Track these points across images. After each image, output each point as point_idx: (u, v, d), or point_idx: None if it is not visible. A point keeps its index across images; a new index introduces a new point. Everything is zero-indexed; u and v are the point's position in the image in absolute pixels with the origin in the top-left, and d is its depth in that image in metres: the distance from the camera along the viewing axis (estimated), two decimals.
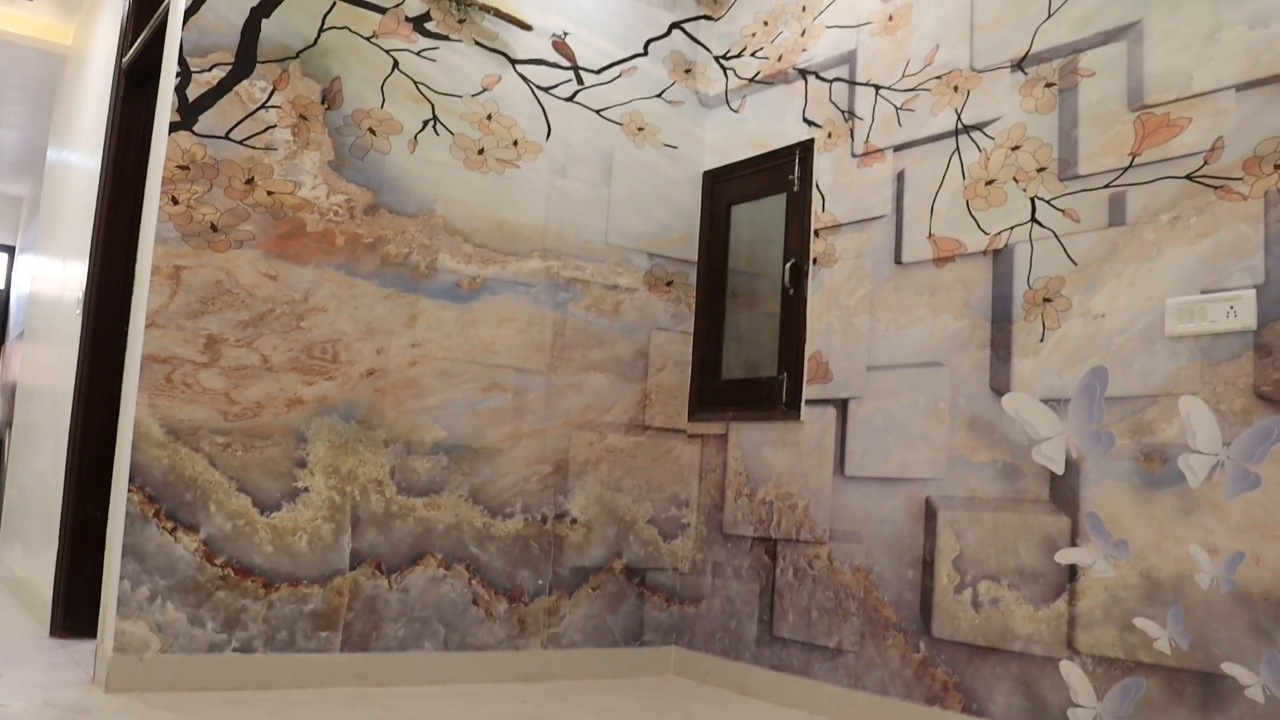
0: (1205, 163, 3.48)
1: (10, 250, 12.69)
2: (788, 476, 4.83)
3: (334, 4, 4.64)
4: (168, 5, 4.77)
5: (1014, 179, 4.06)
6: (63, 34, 7.70)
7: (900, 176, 4.52)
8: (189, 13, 4.35)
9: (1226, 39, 3.47)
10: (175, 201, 4.26)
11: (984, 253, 4.14)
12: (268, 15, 4.50)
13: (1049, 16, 4.03)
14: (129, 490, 4.13)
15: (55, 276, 7.11)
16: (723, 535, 5.15)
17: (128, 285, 5.07)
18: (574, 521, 5.09)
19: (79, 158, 6.58)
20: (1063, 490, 3.77)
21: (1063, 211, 3.88)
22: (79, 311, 5.59)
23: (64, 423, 5.59)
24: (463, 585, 4.78)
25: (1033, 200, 3.99)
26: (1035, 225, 3.97)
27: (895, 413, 4.40)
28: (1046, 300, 3.90)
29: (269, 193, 4.44)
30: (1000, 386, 4.02)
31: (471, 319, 4.87)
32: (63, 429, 5.63)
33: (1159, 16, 3.68)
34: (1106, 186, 3.76)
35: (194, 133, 4.32)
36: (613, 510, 5.20)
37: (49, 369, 6.76)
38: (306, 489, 4.46)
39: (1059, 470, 3.79)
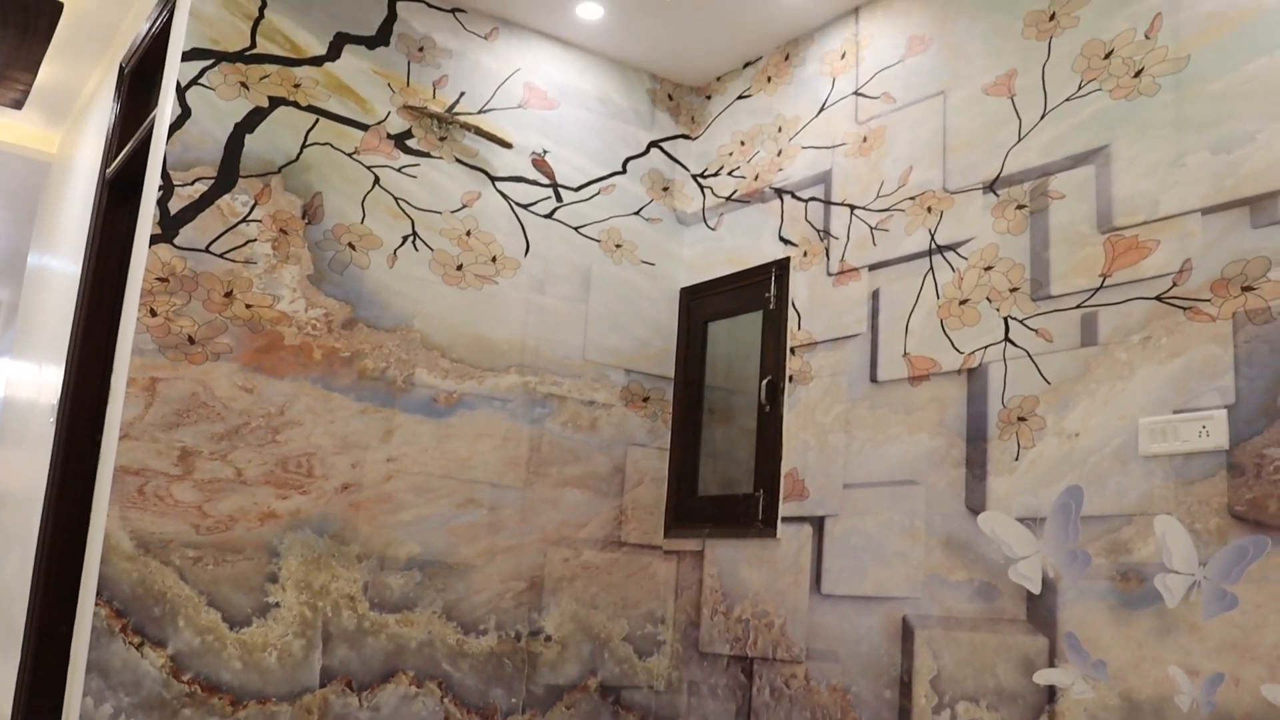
0: (1174, 284, 3.54)
1: None
2: (764, 594, 4.80)
3: (317, 120, 4.71)
4: (153, 118, 4.83)
5: (987, 299, 4.11)
6: (49, 142, 7.78)
7: (875, 295, 4.57)
8: (174, 127, 4.41)
9: (1191, 164, 3.55)
10: (153, 314, 4.27)
11: (959, 371, 4.17)
12: (251, 131, 4.55)
13: (1019, 140, 4.12)
14: (96, 604, 4.07)
15: (30, 381, 7.07)
16: (699, 653, 5.09)
17: (103, 394, 5.05)
18: (548, 639, 5.03)
19: (60, 264, 6.60)
20: (1040, 610, 3.76)
21: (1036, 331, 3.93)
22: (53, 419, 5.55)
23: (32, 530, 5.52)
24: (435, 704, 4.70)
25: (1006, 320, 4.03)
26: (1009, 344, 4.01)
27: (871, 530, 4.39)
28: (1021, 419, 3.92)
29: (247, 306, 4.46)
30: (976, 505, 4.02)
31: (448, 434, 4.87)
32: (31, 537, 5.55)
33: (1125, 142, 3.76)
34: (1078, 307, 3.81)
35: (174, 245, 4.34)
36: (587, 627, 5.14)
37: (19, 474, 6.68)
38: (278, 604, 4.40)
39: (1036, 590, 3.77)
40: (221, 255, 4.43)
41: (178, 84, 4.44)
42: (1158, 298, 3.58)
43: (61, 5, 5.78)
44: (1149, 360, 3.57)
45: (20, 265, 10.02)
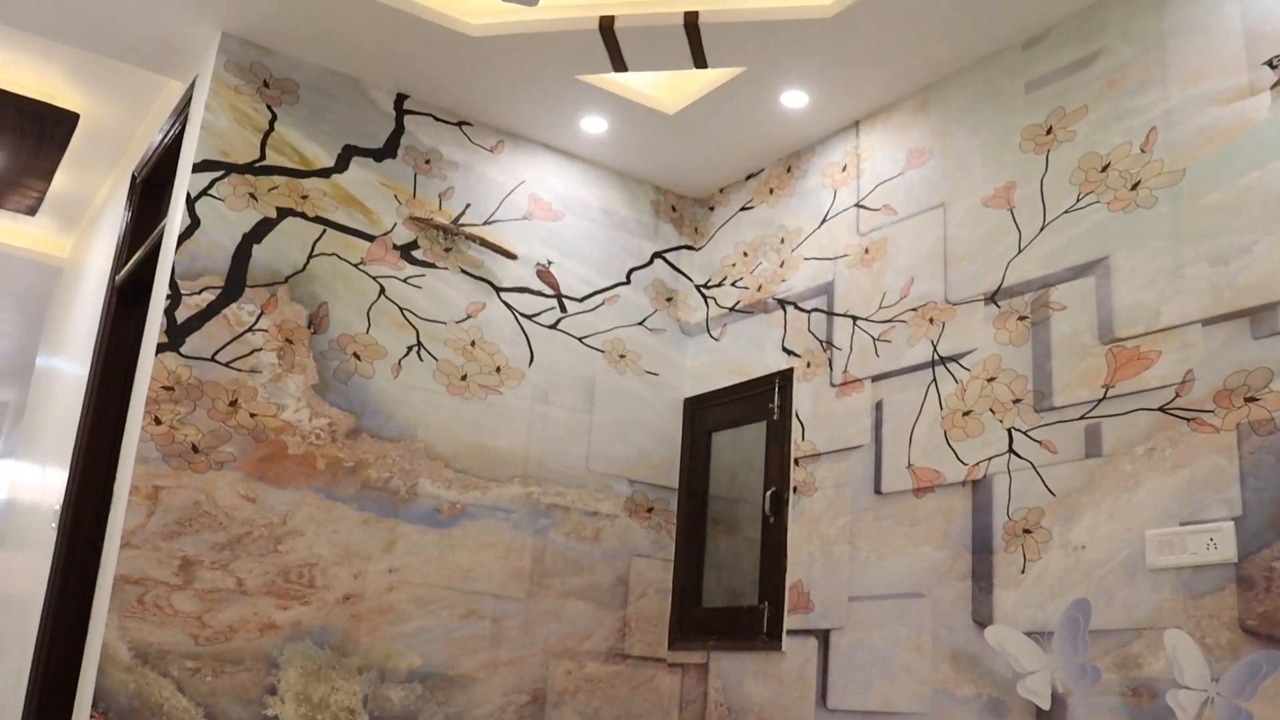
0: (1177, 395, 3.54)
1: None
2: (769, 708, 4.72)
3: (324, 231, 4.76)
4: (163, 227, 4.88)
5: (990, 410, 4.11)
6: (60, 247, 7.87)
7: (879, 406, 4.57)
8: (183, 237, 4.46)
9: (1190, 275, 3.57)
10: (158, 422, 4.28)
11: (963, 483, 4.16)
12: (259, 241, 4.60)
13: (1019, 252, 4.15)
14: (91, 715, 4.01)
15: (34, 483, 7.06)
16: None
17: (105, 500, 5.04)
18: None
19: (67, 367, 6.63)
20: None
21: (1040, 443, 3.92)
22: (54, 524, 5.53)
23: (30, 635, 5.46)
24: None
25: (1010, 431, 4.03)
26: (1013, 456, 4.00)
27: (877, 644, 4.34)
28: (1026, 531, 3.89)
29: (252, 415, 4.46)
30: (983, 618, 3.98)
31: (451, 544, 4.84)
32: (28, 642, 5.50)
33: (1124, 253, 3.79)
34: (1082, 418, 3.80)
35: (180, 354, 4.37)
36: None
37: (19, 577, 6.64)
38: (276, 717, 4.34)
39: (1045, 705, 3.71)
40: (227, 364, 4.45)
41: (188, 195, 4.50)
42: (1161, 409, 3.58)
43: (78, 116, 5.88)
44: (1154, 471, 3.56)
45: (28, 367, 10.06)
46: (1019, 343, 4.07)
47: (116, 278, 5.53)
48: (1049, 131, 4.16)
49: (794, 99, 4.90)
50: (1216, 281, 3.49)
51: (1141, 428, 3.62)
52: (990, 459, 4.08)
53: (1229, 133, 3.56)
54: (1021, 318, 4.09)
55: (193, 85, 4.96)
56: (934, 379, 4.37)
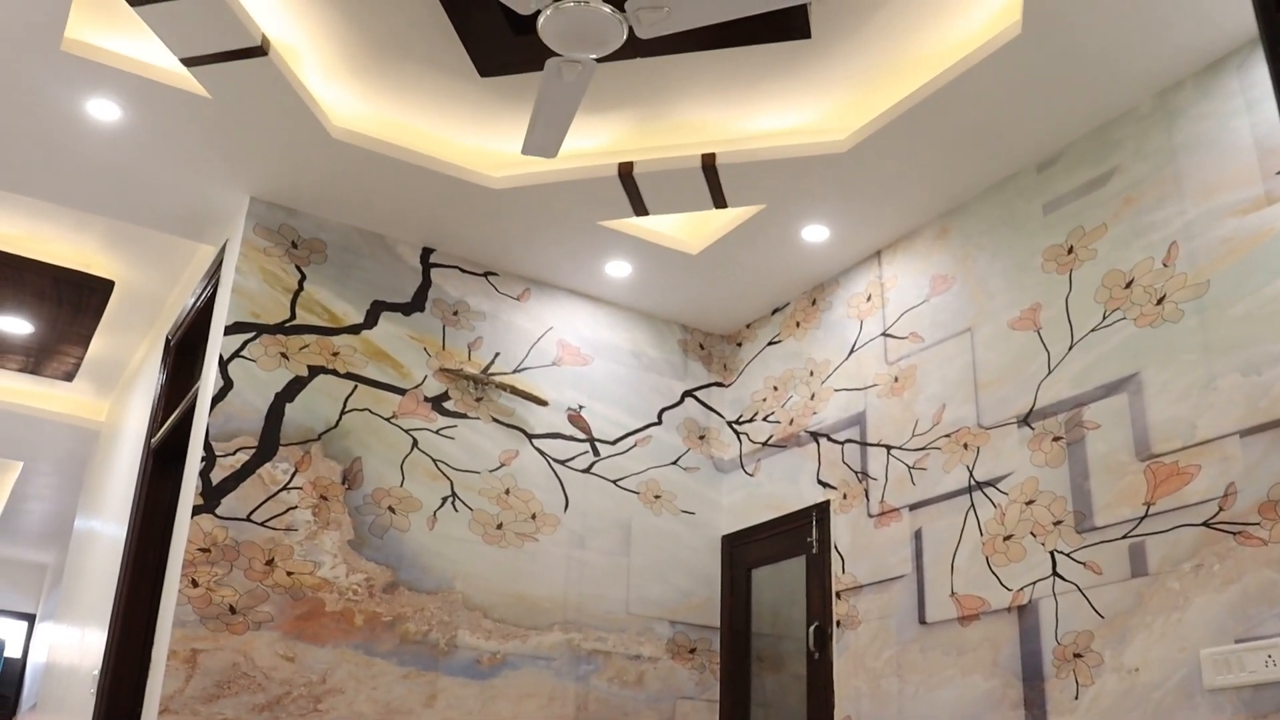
0: (1220, 509, 3.48)
1: (30, 619, 12.61)
2: None
3: (355, 387, 4.80)
4: (196, 390, 4.94)
5: (1031, 533, 4.05)
6: (97, 411, 7.97)
7: (918, 535, 4.52)
8: (216, 399, 4.50)
9: (1223, 387, 3.54)
10: (195, 584, 4.27)
11: (1008, 609, 4.08)
12: (291, 400, 4.65)
13: (1049, 373, 4.14)
14: None
15: (72, 645, 7.04)
16: None
17: (144, 663, 5.01)
18: None
19: (105, 529, 6.65)
20: None
21: (1084, 564, 3.85)
22: (93, 690, 5.49)
23: None
24: None
25: (1052, 554, 3.96)
26: (1057, 579, 3.93)
27: None
28: (1077, 656, 3.80)
29: (289, 573, 4.45)
30: None
31: (492, 695, 4.76)
32: None
33: (1155, 369, 3.77)
34: (1124, 537, 3.74)
35: (216, 515, 4.38)
36: None
37: None
38: None
39: None
40: (263, 523, 4.46)
41: (220, 357, 4.56)
42: (1205, 524, 3.52)
43: (113, 283, 6.01)
44: (1204, 589, 3.48)
45: (66, 530, 10.11)
46: (1055, 464, 4.03)
47: (152, 440, 5.58)
48: (1070, 251, 4.18)
49: (815, 233, 4.95)
50: (1251, 392, 3.46)
51: (1187, 544, 3.55)
52: (1034, 583, 4.00)
53: (1250, 243, 3.57)
54: (1056, 438, 4.05)
55: (223, 249, 5.07)
56: (972, 504, 4.32)
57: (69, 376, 7.32)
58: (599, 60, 3.52)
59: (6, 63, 4.06)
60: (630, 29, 3.32)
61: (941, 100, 4.07)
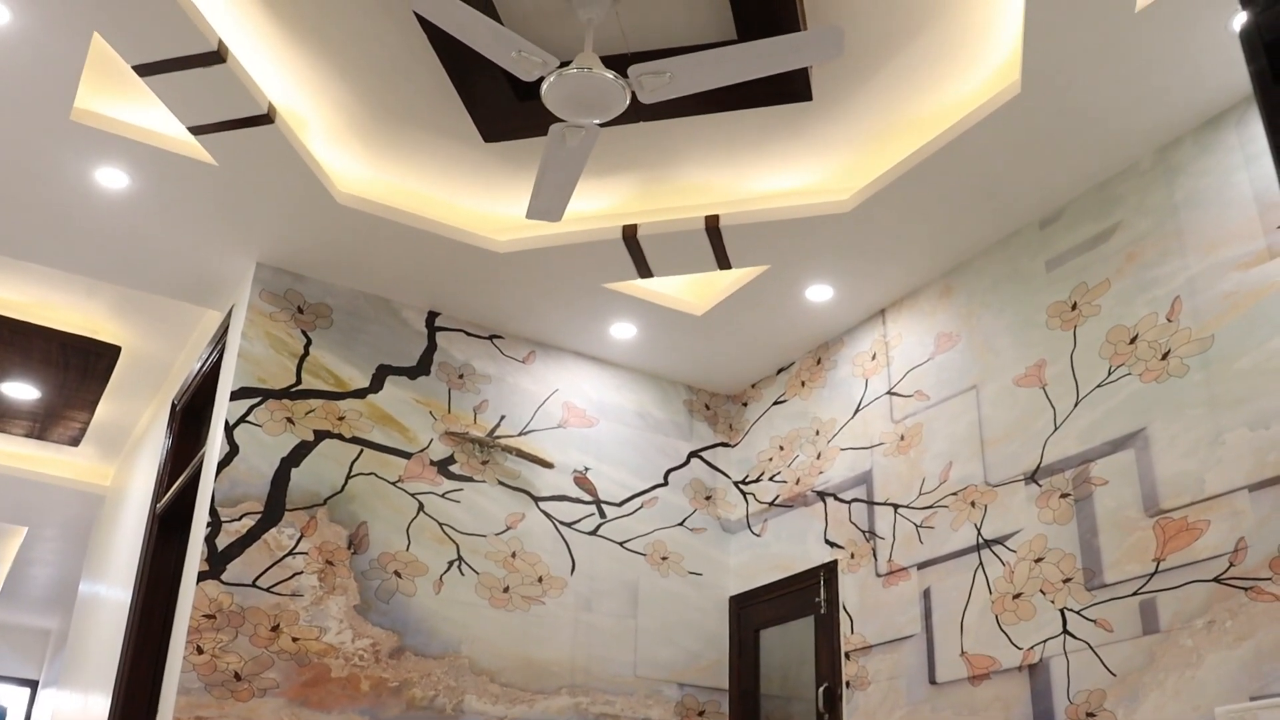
0: (1231, 564, 3.46)
1: (33, 685, 12.51)
2: None
3: (361, 451, 4.80)
4: (202, 455, 4.94)
5: (1041, 591, 4.03)
6: (103, 475, 7.96)
7: (926, 594, 4.49)
8: (222, 464, 4.50)
9: (1230, 442, 3.53)
10: (200, 651, 4.24)
11: (1019, 668, 4.04)
12: (297, 464, 4.64)
13: (1056, 429, 4.13)
14: None
15: (76, 712, 6.97)
16: None
17: None
18: None
19: (109, 594, 6.62)
20: None
21: (1094, 622, 3.82)
22: None
23: None
24: None
25: (1062, 612, 3.94)
26: (1068, 637, 3.90)
27: None
28: (1090, 715, 3.77)
29: (294, 639, 4.43)
30: None
31: None
32: None
33: (1162, 424, 3.77)
34: (1135, 594, 3.72)
35: (221, 581, 4.36)
36: None
37: None
38: None
39: None
40: (268, 589, 4.44)
41: (226, 423, 4.57)
42: (1216, 579, 3.49)
43: (119, 348, 6.03)
44: (1216, 645, 3.45)
45: (70, 596, 10.06)
46: (1064, 521, 4.02)
47: (157, 505, 5.57)
48: (1074, 307, 4.19)
49: (819, 292, 4.97)
50: (1258, 446, 3.46)
51: (1198, 600, 3.53)
52: (1045, 641, 3.97)
53: (1253, 297, 3.58)
54: (1064, 495, 4.04)
55: (229, 314, 5.09)
56: (980, 563, 4.30)
57: (75, 441, 7.32)
58: (602, 125, 3.55)
59: (17, 132, 4.10)
60: (633, 94, 3.36)
61: (943, 159, 4.10)
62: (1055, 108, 3.82)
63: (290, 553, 4.52)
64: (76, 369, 6.23)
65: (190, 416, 5.71)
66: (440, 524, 4.89)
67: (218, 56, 3.71)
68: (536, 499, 5.18)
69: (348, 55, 3.91)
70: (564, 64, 3.32)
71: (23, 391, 6.52)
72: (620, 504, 5.41)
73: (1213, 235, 3.76)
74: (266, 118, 4.00)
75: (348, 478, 4.74)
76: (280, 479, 4.60)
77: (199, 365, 5.44)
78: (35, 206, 4.53)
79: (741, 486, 5.69)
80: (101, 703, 5.81)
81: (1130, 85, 3.71)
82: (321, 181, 4.35)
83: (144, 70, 3.76)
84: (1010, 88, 3.80)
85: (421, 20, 3.59)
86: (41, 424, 7.00)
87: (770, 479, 5.51)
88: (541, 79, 3.30)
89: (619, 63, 3.69)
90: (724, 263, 4.76)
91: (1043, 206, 4.36)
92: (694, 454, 5.73)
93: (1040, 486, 4.14)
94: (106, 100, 4.12)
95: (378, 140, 4.33)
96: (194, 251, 4.81)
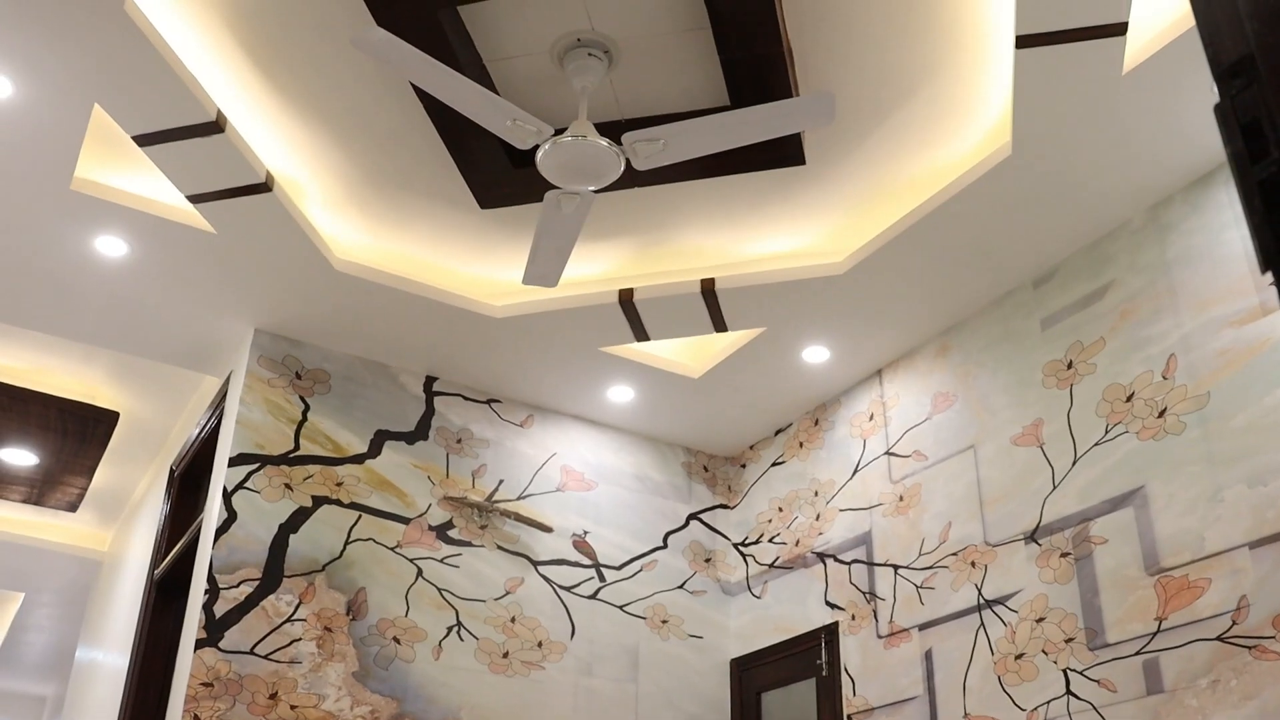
0: (1234, 623, 3.45)
1: None
2: None
3: (359, 517, 4.79)
4: (200, 522, 4.93)
5: (1043, 651, 4.01)
6: (100, 541, 7.92)
7: (928, 655, 4.47)
8: (220, 531, 4.49)
9: (1229, 499, 3.53)
10: (197, 719, 4.21)
11: None
12: (295, 530, 4.63)
13: (1054, 488, 4.13)
14: None
15: None
16: None
17: None
18: None
19: (107, 660, 6.57)
20: None
21: (1097, 682, 3.80)
22: None
23: None
24: None
25: (1065, 672, 3.91)
26: (1071, 698, 3.87)
27: None
28: None
29: (293, 707, 4.39)
30: None
31: None
32: None
33: (1160, 482, 3.77)
34: (1138, 653, 3.70)
35: (219, 649, 4.33)
36: None
37: None
38: None
39: None
40: (266, 656, 4.41)
41: (224, 489, 4.56)
42: (1219, 638, 3.48)
43: (118, 414, 6.03)
44: (1221, 705, 3.43)
45: (67, 662, 9.98)
46: (1064, 580, 4.01)
47: (155, 572, 5.55)
48: (1069, 366, 4.20)
49: (815, 354, 4.98)
50: (1257, 503, 3.46)
51: (1201, 659, 3.51)
52: (1049, 702, 3.95)
53: (1247, 353, 3.59)
54: (1064, 554, 4.03)
55: (228, 380, 5.10)
56: (982, 623, 4.28)
57: (72, 507, 7.30)
58: (597, 191, 3.58)
59: (18, 201, 4.13)
60: (627, 161, 3.39)
61: (936, 221, 4.13)
62: (1046, 169, 3.86)
63: (288, 619, 4.50)
64: (75, 435, 6.23)
65: (188, 482, 5.70)
66: (439, 589, 4.87)
67: (216, 126, 3.75)
68: (535, 563, 5.16)
69: (345, 124, 3.95)
70: (559, 131, 3.36)
71: (21, 457, 6.51)
72: (620, 567, 5.39)
73: (1205, 292, 3.78)
74: (264, 186, 4.03)
75: (346, 543, 4.73)
76: (278, 545, 4.59)
77: (197, 431, 5.44)
78: (35, 274, 4.55)
79: (741, 548, 5.68)
80: None
81: (1119, 146, 3.75)
82: (319, 248, 4.37)
83: (144, 140, 3.80)
84: (1001, 150, 3.84)
85: (417, 89, 3.63)
86: (39, 489, 6.99)
87: (770, 540, 5.50)
88: (537, 146, 3.34)
89: (613, 129, 3.72)
90: (720, 325, 4.78)
91: (1036, 266, 4.38)
92: (693, 516, 5.71)
93: (1040, 546, 4.13)
94: (106, 169, 4.16)
95: (375, 207, 4.36)
96: (192, 318, 4.83)
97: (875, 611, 4.78)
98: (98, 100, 3.64)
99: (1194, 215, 3.88)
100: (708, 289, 4.56)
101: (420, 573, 4.85)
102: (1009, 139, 3.78)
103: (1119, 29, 3.30)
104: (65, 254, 4.41)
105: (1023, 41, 3.35)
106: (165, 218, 4.21)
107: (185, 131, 3.76)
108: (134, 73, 3.52)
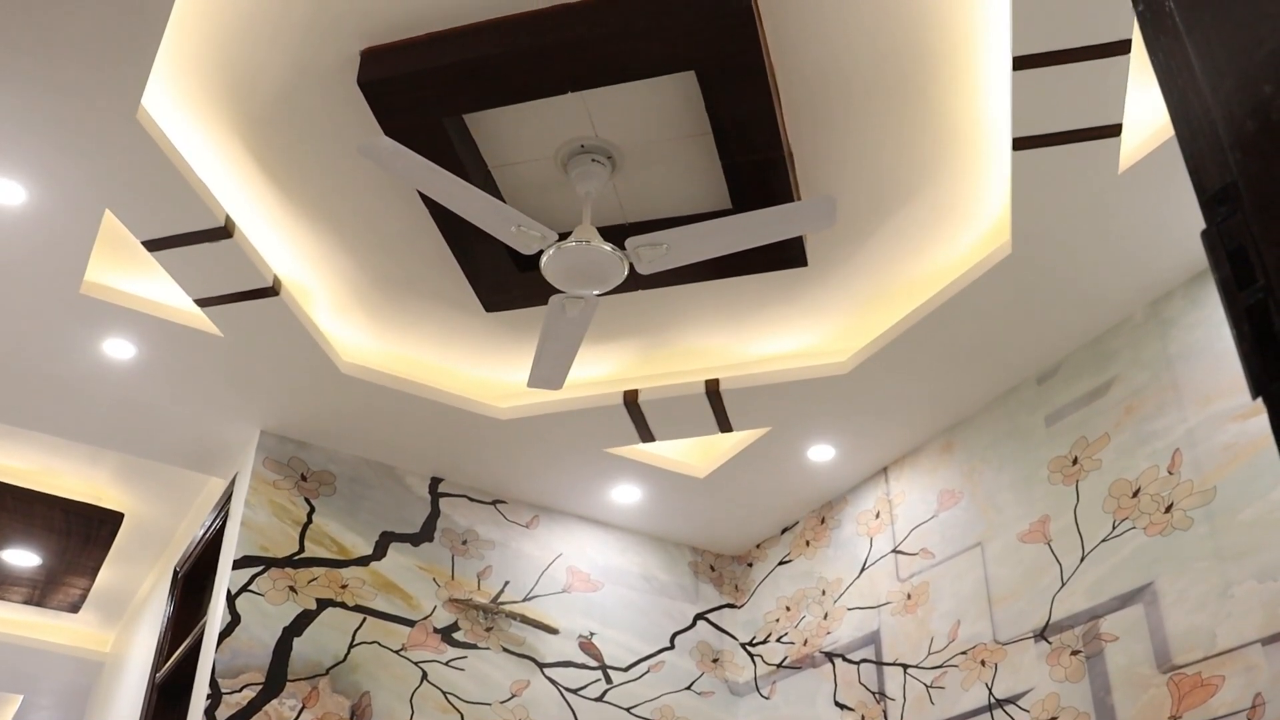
0: None
1: None
2: None
3: (364, 620, 4.76)
4: (203, 625, 4.89)
5: None
6: (102, 642, 7.84)
7: None
8: (223, 634, 4.46)
9: (1239, 595, 3.51)
10: None
11: None
12: (299, 634, 4.60)
13: (1063, 585, 4.11)
14: None
15: None
16: None
17: None
18: None
19: None
20: None
21: None
22: None
23: None
24: None
25: None
26: None
27: None
28: None
29: None
30: None
31: None
32: None
33: (1170, 577, 3.75)
34: None
35: None
36: None
37: None
38: None
39: None
40: None
41: (228, 591, 4.54)
42: None
43: (122, 515, 6.02)
44: None
45: None
46: (1075, 679, 3.97)
47: (157, 674, 5.50)
48: (1075, 462, 4.20)
49: (820, 452, 4.99)
50: (1268, 599, 3.43)
51: None
52: None
53: (1253, 447, 3.59)
54: (1074, 652, 4.00)
55: (233, 482, 5.10)
56: None
57: (75, 608, 7.25)
58: (601, 295, 3.62)
59: (28, 305, 4.17)
60: (631, 265, 3.42)
61: (938, 320, 4.16)
62: (1046, 266, 3.89)
63: None
64: (78, 535, 6.22)
65: (192, 584, 5.68)
66: (444, 692, 4.83)
67: (225, 232, 3.80)
68: (541, 665, 5.12)
69: (352, 229, 4.00)
70: (563, 236, 3.40)
71: (23, 558, 6.49)
72: (626, 669, 5.34)
73: (1208, 387, 3.79)
74: (272, 290, 4.07)
75: (350, 647, 4.70)
76: (282, 649, 4.56)
77: (202, 532, 5.43)
78: (42, 376, 4.58)
79: (749, 648, 5.63)
80: None
81: (1118, 242, 3.79)
82: (325, 352, 4.40)
83: (153, 245, 3.85)
84: (1001, 248, 3.88)
85: (424, 196, 3.68)
86: (41, 590, 6.95)
87: (778, 640, 5.45)
88: (541, 251, 3.38)
89: (617, 232, 3.77)
90: (725, 426, 4.79)
91: (1039, 362, 4.40)
92: (700, 616, 5.67)
93: (1050, 644, 4.10)
94: (115, 273, 4.20)
95: (381, 310, 4.40)
96: (198, 420, 4.84)
97: (885, 712, 4.72)
98: (109, 206, 3.69)
99: (1195, 309, 3.91)
100: (712, 390, 4.58)
101: (425, 676, 4.81)
102: (1009, 238, 3.82)
103: (1113, 130, 3.35)
104: (74, 357, 4.45)
105: (1019, 143, 3.40)
106: (173, 321, 4.25)
107: (194, 237, 3.81)
108: (145, 179, 3.57)
